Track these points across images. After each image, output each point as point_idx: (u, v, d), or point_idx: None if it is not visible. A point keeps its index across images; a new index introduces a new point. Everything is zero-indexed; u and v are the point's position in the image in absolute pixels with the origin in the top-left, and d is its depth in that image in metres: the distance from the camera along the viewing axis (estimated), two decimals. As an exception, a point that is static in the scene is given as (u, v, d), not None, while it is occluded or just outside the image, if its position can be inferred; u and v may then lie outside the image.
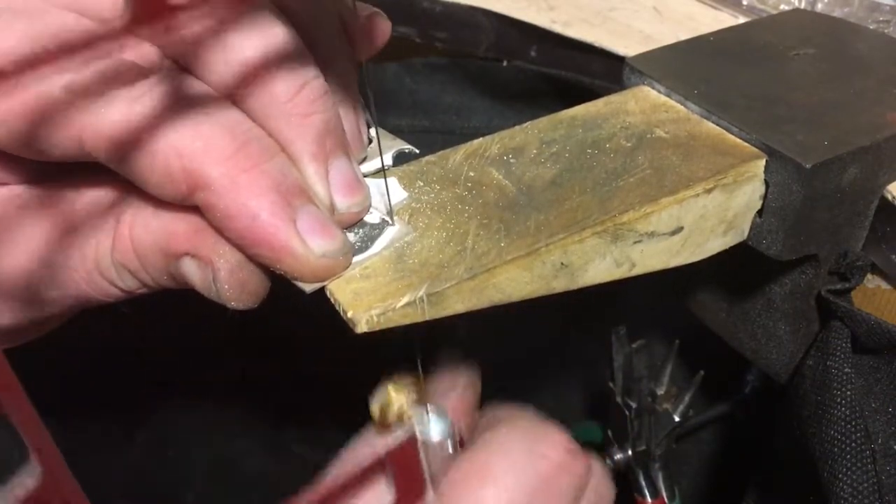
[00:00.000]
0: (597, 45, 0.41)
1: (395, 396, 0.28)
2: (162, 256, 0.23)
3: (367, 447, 0.28)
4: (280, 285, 0.25)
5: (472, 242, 0.24)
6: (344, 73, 0.26)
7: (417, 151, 0.28)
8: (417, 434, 0.26)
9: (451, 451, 0.27)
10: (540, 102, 0.48)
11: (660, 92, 0.31)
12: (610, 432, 0.45)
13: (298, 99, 0.23)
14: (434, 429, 0.27)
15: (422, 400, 0.28)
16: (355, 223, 0.25)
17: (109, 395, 0.52)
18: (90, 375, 0.49)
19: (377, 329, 0.22)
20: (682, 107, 0.30)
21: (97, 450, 0.52)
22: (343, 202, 0.24)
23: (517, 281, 0.24)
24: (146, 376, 0.48)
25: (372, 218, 0.25)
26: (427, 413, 0.27)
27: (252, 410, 0.57)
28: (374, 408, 0.28)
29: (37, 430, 0.17)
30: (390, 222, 0.25)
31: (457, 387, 0.31)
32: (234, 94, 0.23)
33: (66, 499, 0.18)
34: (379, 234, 0.25)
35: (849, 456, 0.27)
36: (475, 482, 0.23)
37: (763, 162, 0.27)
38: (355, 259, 0.24)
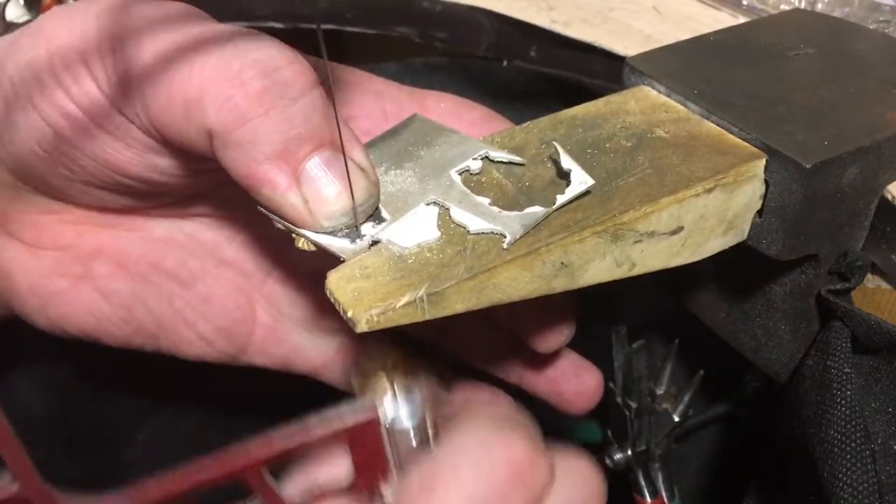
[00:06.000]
0: (597, 45, 0.41)
1: (377, 372, 0.26)
2: None
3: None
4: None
5: (472, 242, 0.24)
6: None
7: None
8: (383, 415, 0.25)
9: (413, 443, 0.25)
10: (540, 102, 0.48)
11: (660, 92, 0.31)
12: (610, 432, 0.45)
13: None
14: (403, 413, 0.25)
15: (405, 379, 0.26)
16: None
17: (110, 396, 0.52)
18: (91, 376, 0.49)
19: (377, 329, 0.22)
20: (682, 107, 0.30)
21: (98, 450, 0.52)
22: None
23: (517, 281, 0.24)
24: (147, 377, 0.48)
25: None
26: (397, 396, 0.25)
27: (252, 411, 0.57)
28: (355, 381, 0.27)
29: (10, 445, 0.17)
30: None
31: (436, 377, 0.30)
32: None
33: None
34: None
35: (849, 456, 0.27)
36: (421, 499, 0.23)
37: (763, 162, 0.27)
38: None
